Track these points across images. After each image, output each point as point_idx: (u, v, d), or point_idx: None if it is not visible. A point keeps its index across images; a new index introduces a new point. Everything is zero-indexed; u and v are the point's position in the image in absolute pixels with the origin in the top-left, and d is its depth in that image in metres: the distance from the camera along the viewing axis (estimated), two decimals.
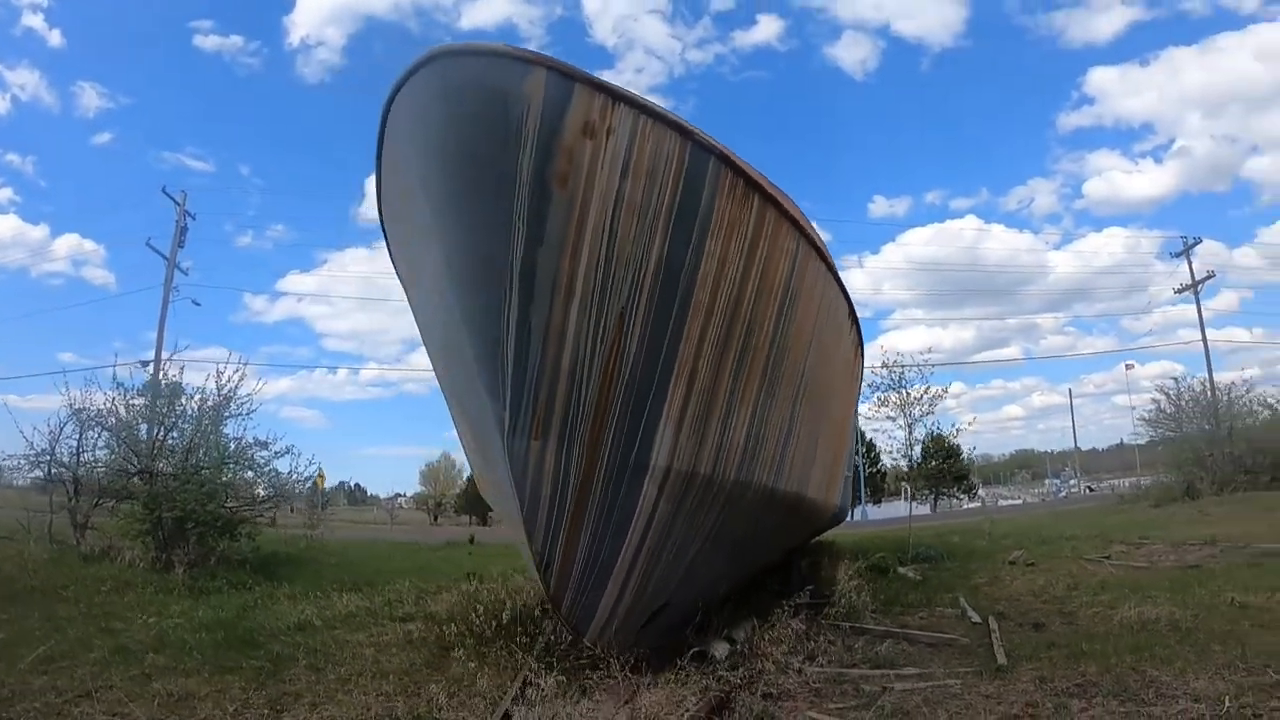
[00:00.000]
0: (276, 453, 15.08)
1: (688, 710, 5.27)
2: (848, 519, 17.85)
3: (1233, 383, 35.61)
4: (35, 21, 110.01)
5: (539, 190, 5.57)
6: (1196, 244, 38.58)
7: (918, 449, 19.76)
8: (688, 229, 6.15)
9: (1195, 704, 5.07)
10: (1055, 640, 7.33)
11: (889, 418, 17.49)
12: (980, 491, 66.43)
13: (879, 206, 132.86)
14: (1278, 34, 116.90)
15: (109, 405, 14.59)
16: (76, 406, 14.47)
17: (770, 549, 9.77)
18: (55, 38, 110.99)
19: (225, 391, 14.79)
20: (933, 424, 17.83)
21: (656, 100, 6.19)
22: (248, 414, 15.22)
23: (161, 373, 17.00)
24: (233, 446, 14.53)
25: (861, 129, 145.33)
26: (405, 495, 79.47)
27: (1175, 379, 36.94)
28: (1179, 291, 39.15)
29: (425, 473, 74.70)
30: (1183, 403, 35.21)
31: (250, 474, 14.85)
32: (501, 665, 6.52)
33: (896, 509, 50.89)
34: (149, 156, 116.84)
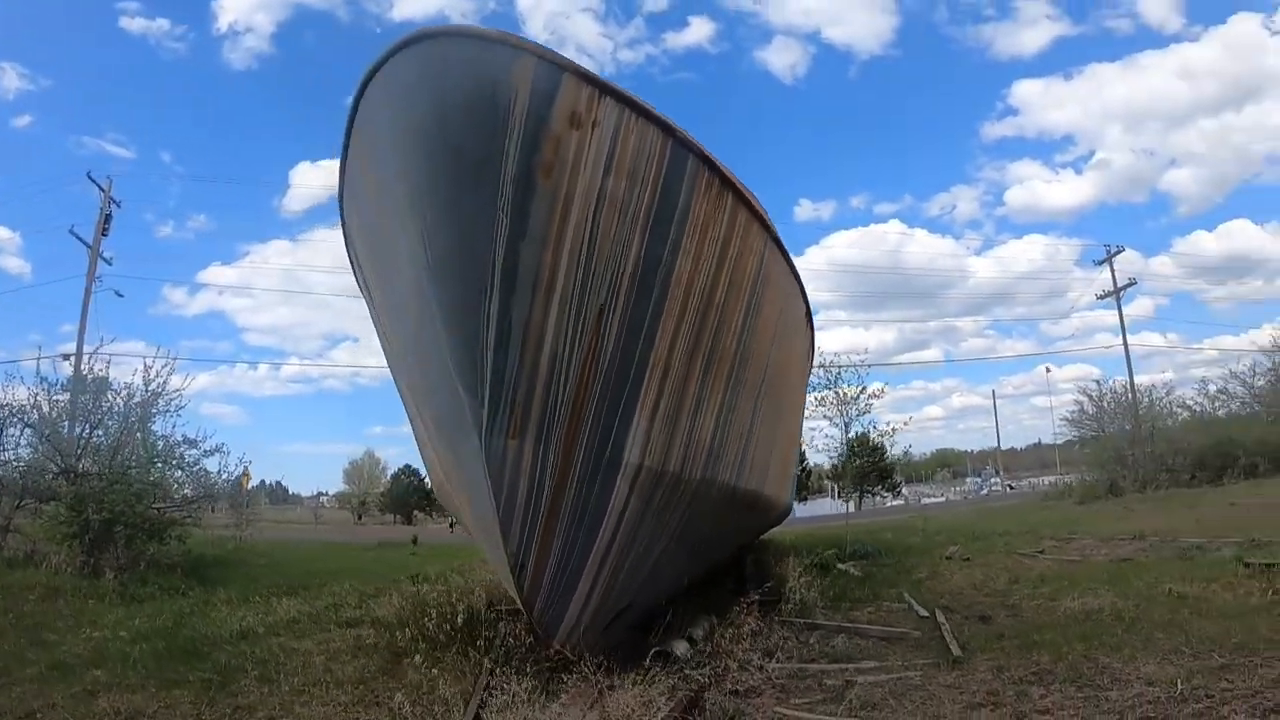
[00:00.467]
0: (205, 451, 14.75)
1: (659, 711, 5.31)
2: None
3: (1153, 385, 38.05)
4: None
5: (524, 182, 5.54)
6: (1119, 252, 40.14)
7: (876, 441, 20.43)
8: (666, 226, 6.25)
9: (1150, 687, 5.35)
10: (1004, 631, 7.63)
11: (825, 417, 18.13)
12: (904, 490, 68.79)
13: (804, 210, 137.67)
14: (1199, 54, 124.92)
15: (31, 401, 14.16)
16: None
17: (726, 546, 9.98)
18: None
19: (153, 387, 14.42)
20: (868, 423, 18.48)
21: None
22: (176, 411, 14.92)
23: (86, 367, 16.34)
24: (161, 445, 14.15)
25: (789, 133, 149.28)
26: (328, 494, 78.91)
27: (1097, 381, 39.14)
28: (1101, 297, 40.65)
29: (349, 471, 74.98)
30: (1104, 404, 37.58)
31: (180, 473, 14.49)
32: (460, 671, 6.45)
33: (821, 506, 52.29)
34: (69, 142, 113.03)
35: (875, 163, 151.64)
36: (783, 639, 7.59)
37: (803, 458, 60.98)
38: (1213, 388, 36.72)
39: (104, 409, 14.44)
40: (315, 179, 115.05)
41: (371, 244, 7.31)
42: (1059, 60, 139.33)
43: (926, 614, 8.85)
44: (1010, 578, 11.16)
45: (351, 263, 8.67)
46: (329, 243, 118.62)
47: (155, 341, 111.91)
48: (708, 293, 6.81)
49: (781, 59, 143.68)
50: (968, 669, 6.35)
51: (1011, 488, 66.52)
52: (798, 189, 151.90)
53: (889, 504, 57.02)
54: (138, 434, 14.16)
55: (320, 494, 77.15)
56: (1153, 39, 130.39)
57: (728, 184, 6.74)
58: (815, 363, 15.38)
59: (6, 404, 14.06)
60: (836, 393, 17.49)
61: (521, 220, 5.61)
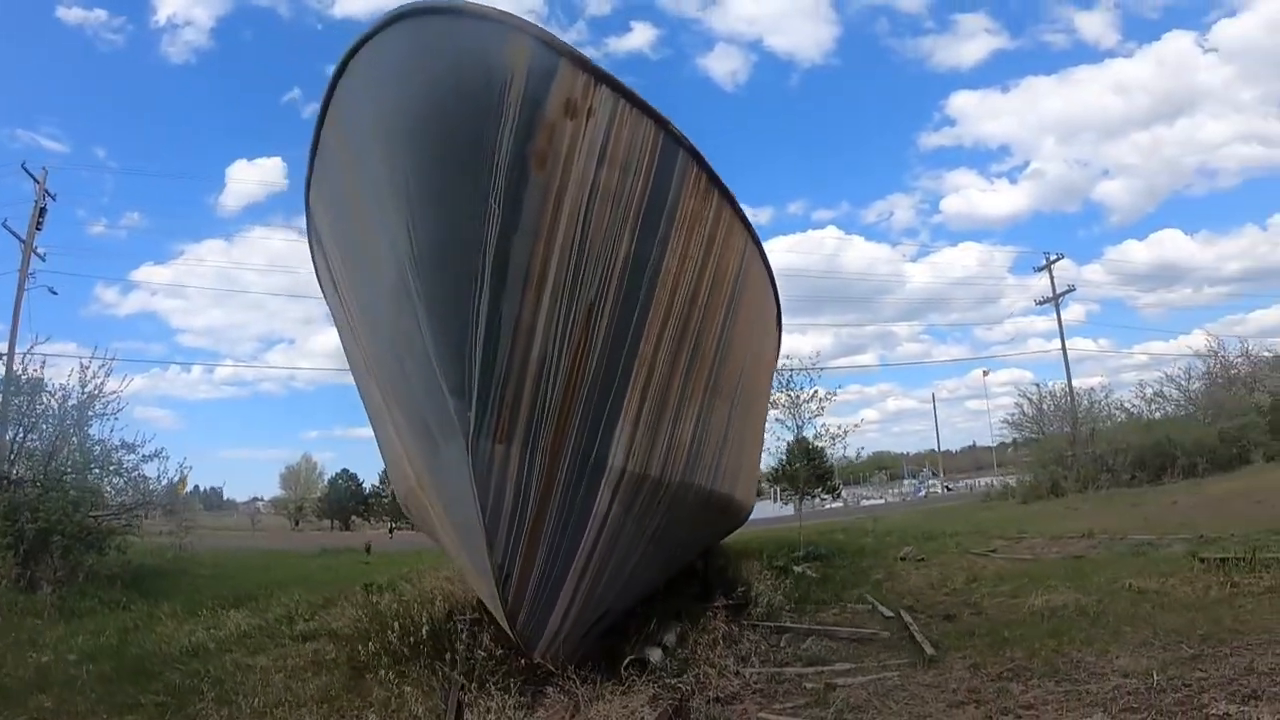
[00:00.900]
0: (144, 456, 14.31)
1: None
2: None
3: (1092, 388, 39.91)
4: None
5: (518, 170, 5.40)
6: (1058, 259, 42.10)
7: (820, 445, 20.80)
8: (655, 221, 6.22)
9: (1126, 679, 5.53)
10: (973, 629, 7.81)
11: (777, 419, 18.47)
12: (842, 492, 70.11)
13: None
14: (1133, 69, 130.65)
15: None
16: None
17: (695, 549, 10.07)
18: None
19: (90, 389, 13.91)
20: (820, 425, 18.85)
21: None
22: (114, 414, 14.42)
23: (19, 367, 15.66)
24: (98, 450, 13.73)
25: (729, 139, 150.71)
26: (263, 499, 77.55)
27: (1037, 385, 40.97)
28: (1040, 303, 42.86)
29: (285, 476, 73.75)
30: (1044, 406, 39.28)
31: (119, 480, 14.05)
32: (428, 686, 6.31)
33: (764, 509, 52.94)
34: (1, 134, 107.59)
35: (813, 170, 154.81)
36: (754, 643, 7.65)
37: None
38: (1149, 391, 38.83)
39: (38, 412, 13.94)
40: (252, 176, 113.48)
41: (344, 233, 6.98)
42: (996, 73, 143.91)
43: (891, 614, 9.05)
44: (968, 577, 11.46)
45: (313, 253, 8.35)
46: (265, 242, 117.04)
47: (87, 342, 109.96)
48: (692, 292, 6.82)
49: (723, 66, 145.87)
50: (944, 668, 6.49)
51: (949, 489, 68.82)
52: (736, 194, 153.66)
53: (828, 506, 58.03)
54: (74, 438, 13.72)
55: (256, 499, 75.85)
56: (1088, 54, 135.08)
57: (715, 181, 6.76)
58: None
59: None
60: (789, 395, 17.94)
61: (514, 211, 5.48)
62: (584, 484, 6.22)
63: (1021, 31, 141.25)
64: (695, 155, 6.47)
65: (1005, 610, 8.73)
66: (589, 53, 5.73)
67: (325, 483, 72.46)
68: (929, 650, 7.01)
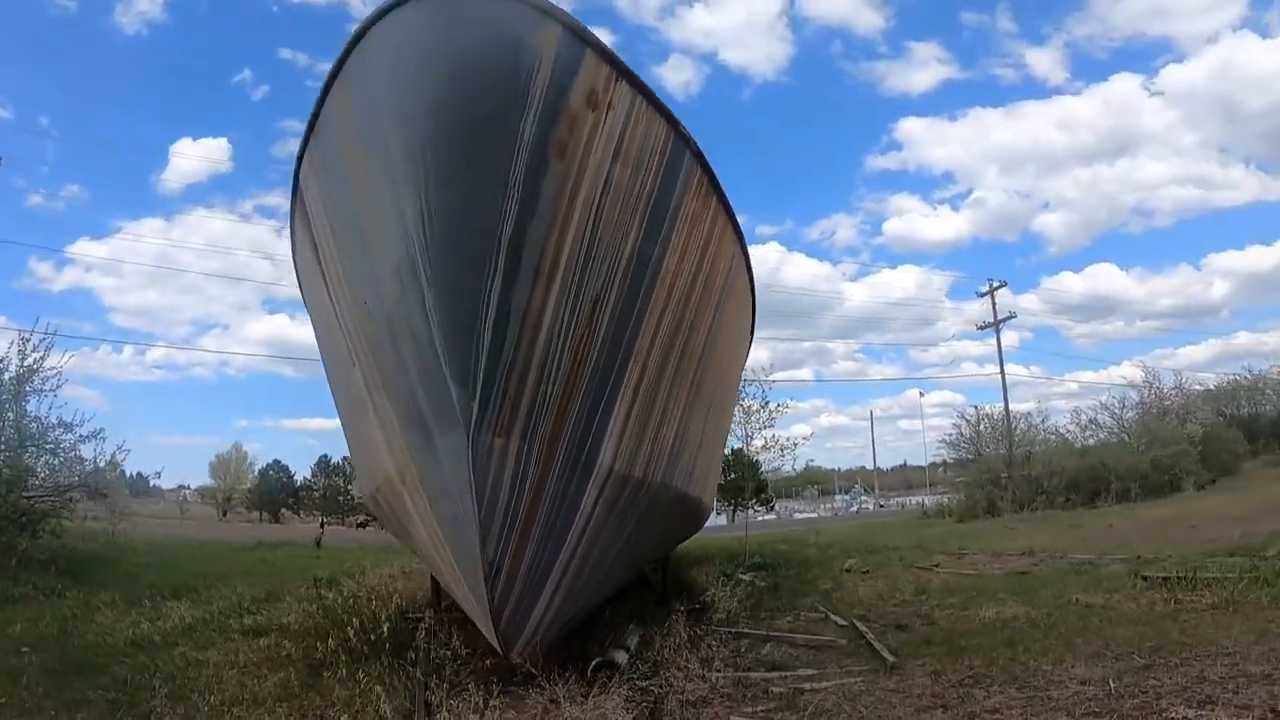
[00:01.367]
0: (81, 436, 13.94)
1: None
2: None
3: (1029, 412, 42.06)
4: None
5: (538, 157, 5.43)
6: (1001, 286, 43.49)
7: (762, 459, 21.20)
8: (660, 221, 6.35)
9: (1084, 686, 5.82)
10: (928, 639, 8.07)
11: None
12: (775, 505, 71.29)
13: None
14: (1080, 107, 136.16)
15: None
16: None
17: (661, 551, 10.26)
18: None
19: (29, 363, 13.50)
20: (770, 437, 19.23)
21: None
22: (53, 391, 14.02)
23: None
24: (35, 428, 13.36)
25: None
26: (190, 487, 76.04)
27: (975, 407, 42.62)
28: (981, 328, 44.33)
29: (215, 464, 71.87)
30: (981, 428, 41.02)
31: (55, 460, 13.66)
32: (390, 686, 6.29)
33: None
34: None
35: (760, 185, 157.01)
36: (715, 648, 7.85)
37: None
38: (1084, 417, 40.95)
39: None
40: (196, 155, 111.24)
41: (340, 209, 6.79)
42: (946, 101, 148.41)
43: (845, 623, 9.33)
44: (915, 589, 11.82)
45: (294, 228, 8.25)
46: (206, 224, 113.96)
47: (15, 316, 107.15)
48: (686, 293, 6.97)
49: (677, 76, 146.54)
50: (906, 674, 6.73)
51: (880, 506, 70.67)
52: None
53: (761, 518, 58.91)
54: (9, 414, 13.34)
55: (182, 487, 74.28)
56: (1037, 89, 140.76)
57: (715, 185, 6.92)
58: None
59: None
60: (742, 405, 18.24)
61: (531, 199, 5.50)
62: (574, 481, 6.27)
63: (973, 63, 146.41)
64: (700, 158, 6.61)
65: (956, 621, 9.06)
66: None
67: (255, 473, 71.75)
68: (889, 658, 7.26)
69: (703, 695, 6.39)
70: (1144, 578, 10.30)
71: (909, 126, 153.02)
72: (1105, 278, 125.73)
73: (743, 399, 18.15)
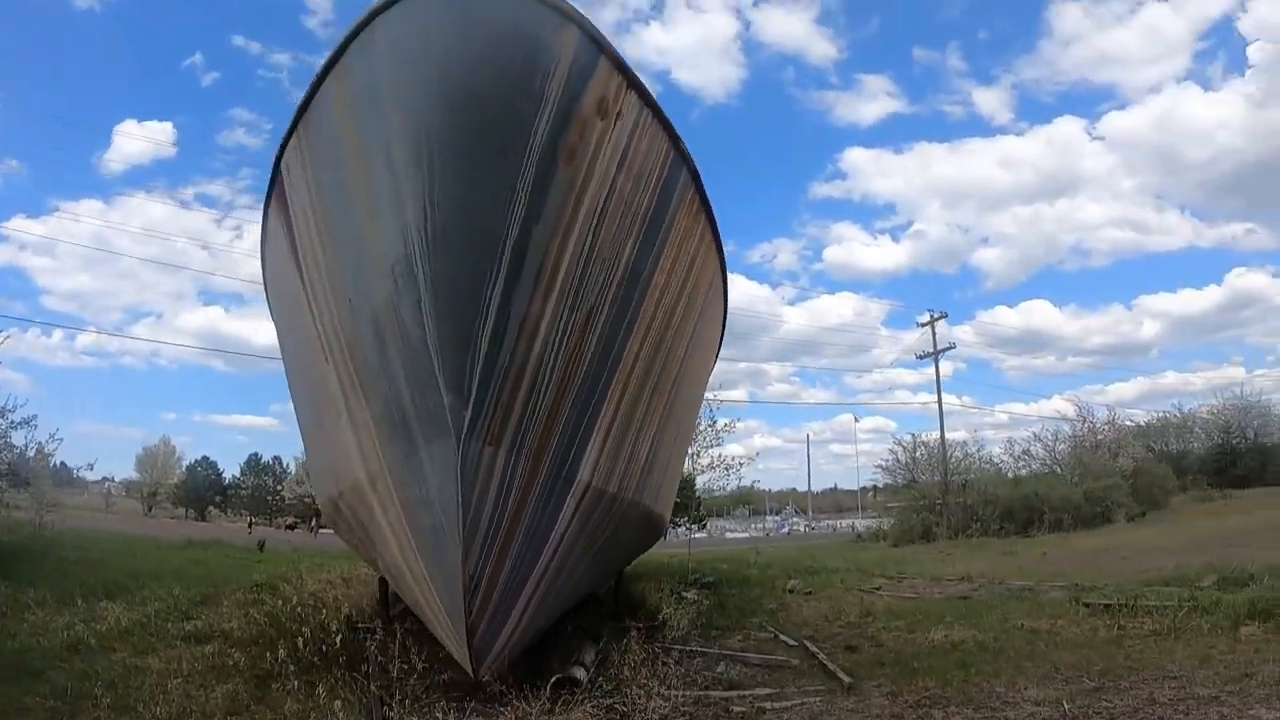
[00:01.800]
0: (13, 423, 13.60)
1: None
2: None
3: (965, 441, 43.88)
4: None
5: (548, 160, 5.39)
6: (942, 317, 45.35)
7: (702, 478, 21.45)
8: (654, 235, 6.42)
9: (1039, 708, 6.05)
10: (879, 660, 8.26)
11: None
12: (707, 524, 71.93)
13: None
14: (1021, 146, 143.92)
15: None
16: None
17: (620, 567, 10.28)
18: None
19: None
20: (717, 455, 19.51)
21: None
22: None
23: None
24: None
25: None
26: (114, 479, 73.52)
27: (913, 434, 44.42)
28: (920, 357, 46.07)
29: (142, 458, 70.91)
30: (917, 455, 42.34)
31: None
32: (345, 699, 6.16)
33: None
34: None
35: None
36: (671, 666, 7.93)
37: None
38: (1018, 448, 42.57)
39: None
40: (141, 138, 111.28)
41: (329, 201, 6.54)
42: (892, 134, 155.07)
43: (795, 643, 9.49)
44: (860, 611, 12.05)
45: (268, 217, 8.03)
46: (146, 209, 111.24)
47: None
48: (670, 310, 7.05)
49: None
50: (863, 695, 6.87)
51: (812, 528, 71.98)
52: None
53: (694, 537, 59.31)
54: None
55: (107, 479, 72.44)
56: (982, 128, 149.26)
57: (705, 202, 7.03)
58: None
59: None
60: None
61: (538, 203, 5.44)
62: (554, 495, 6.25)
63: (921, 99, 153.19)
64: (695, 175, 6.70)
65: (905, 644, 9.28)
66: None
67: (183, 469, 71.13)
68: (845, 678, 7.43)
69: (664, 714, 6.41)
70: (1086, 604, 10.68)
71: (855, 156, 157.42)
72: (1040, 313, 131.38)
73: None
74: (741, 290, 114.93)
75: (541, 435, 6.04)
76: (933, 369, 43.36)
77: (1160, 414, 56.10)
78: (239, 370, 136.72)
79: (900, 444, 44.54)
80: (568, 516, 6.46)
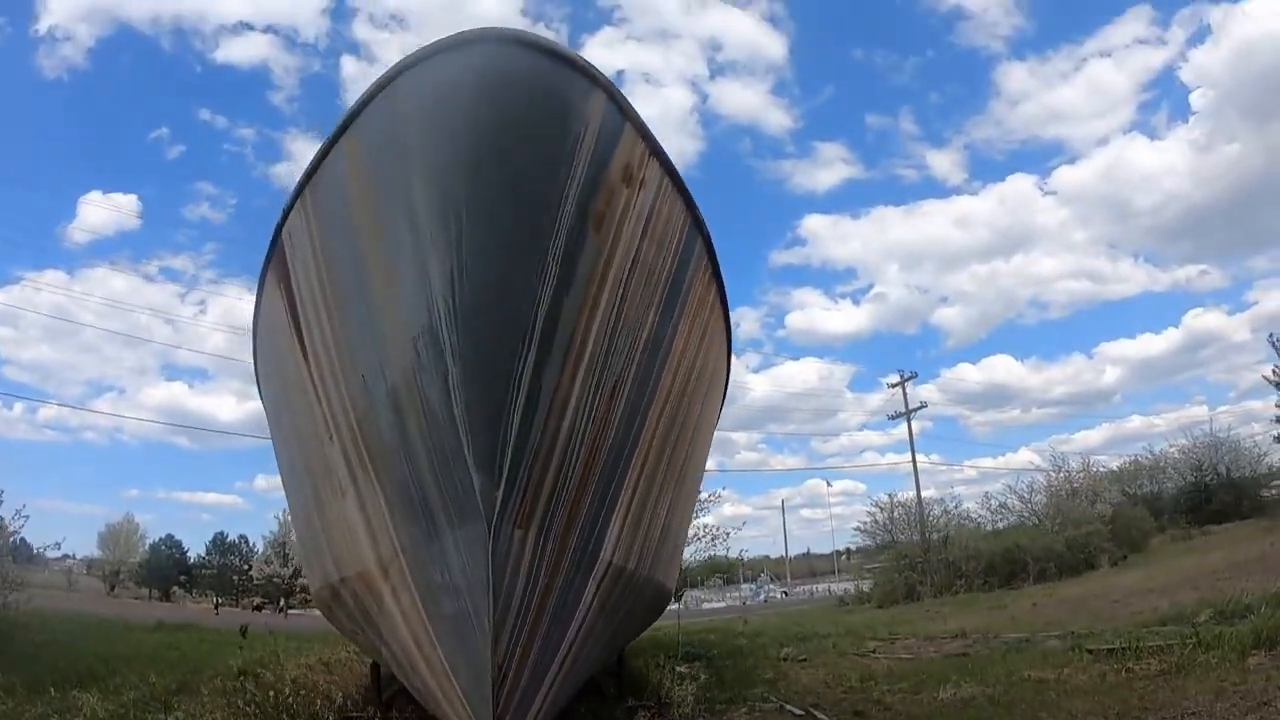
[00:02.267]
0: None
1: None
2: None
3: (942, 498, 44.97)
4: None
5: (578, 228, 5.30)
6: (912, 377, 47.53)
7: (689, 549, 21.41)
8: (674, 303, 6.40)
9: None
10: None
11: None
12: (684, 594, 71.43)
13: None
14: (975, 206, 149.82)
15: None
16: None
17: (627, 643, 10.11)
18: None
19: None
20: (702, 525, 19.51)
21: None
22: None
23: None
24: None
25: None
26: (75, 557, 71.91)
27: (890, 495, 45.79)
28: (892, 418, 48.21)
29: (105, 535, 69.64)
30: (895, 514, 42.96)
31: None
32: None
33: None
34: None
35: None
36: None
37: None
38: (994, 502, 43.41)
39: None
40: (105, 210, 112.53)
41: (340, 268, 6.27)
42: (849, 200, 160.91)
43: (801, 712, 9.38)
44: (860, 675, 11.97)
45: (265, 285, 7.65)
46: (109, 282, 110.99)
47: None
48: (685, 380, 7.02)
49: None
50: None
51: (786, 594, 71.82)
52: None
53: (670, 607, 58.82)
54: None
55: (68, 557, 70.95)
56: (936, 189, 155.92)
57: (717, 270, 7.09)
58: None
59: None
60: None
61: (569, 271, 5.31)
62: (578, 576, 6.05)
63: (876, 164, 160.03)
64: (709, 241, 6.75)
65: (912, 705, 9.24)
66: None
67: (146, 547, 70.10)
68: None
69: None
70: (1089, 650, 10.73)
71: (813, 223, 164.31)
72: (1002, 368, 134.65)
73: None
74: None
75: (569, 514, 5.84)
76: (899, 429, 44.74)
77: (1131, 457, 57.32)
78: (203, 447, 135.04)
79: (878, 505, 45.05)
80: (589, 598, 6.24)
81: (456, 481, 5.42)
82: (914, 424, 47.20)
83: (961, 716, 8.16)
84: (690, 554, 22.96)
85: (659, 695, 9.67)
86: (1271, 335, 53.20)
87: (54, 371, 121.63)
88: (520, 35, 5.18)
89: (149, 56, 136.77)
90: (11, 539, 17.62)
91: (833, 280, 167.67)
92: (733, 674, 13.26)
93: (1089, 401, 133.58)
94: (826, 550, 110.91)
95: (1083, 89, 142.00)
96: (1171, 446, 55.97)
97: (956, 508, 43.67)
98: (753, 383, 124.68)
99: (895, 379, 48.45)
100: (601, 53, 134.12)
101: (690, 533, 19.51)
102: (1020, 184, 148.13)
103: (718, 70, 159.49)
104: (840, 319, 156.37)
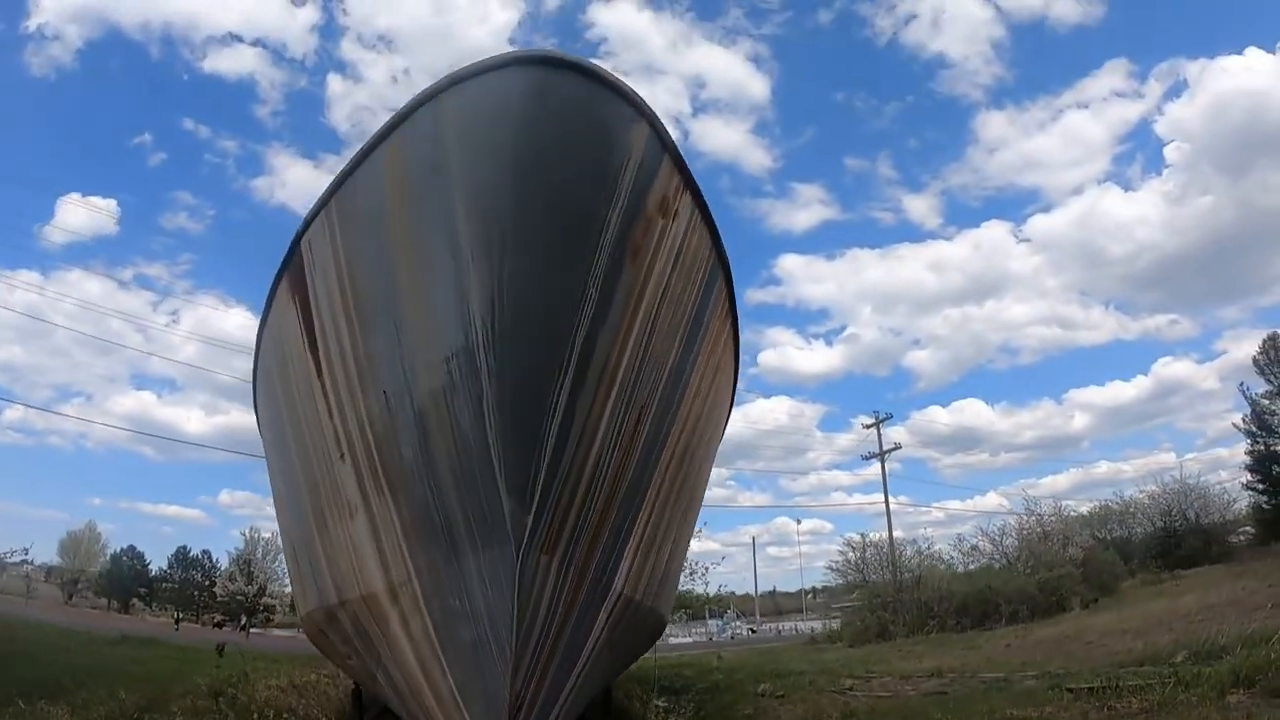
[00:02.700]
0: None
1: None
2: None
3: (915, 538, 45.91)
4: None
5: (618, 256, 5.37)
6: (888, 418, 49.44)
7: None
8: (695, 336, 6.47)
9: None
10: None
11: None
12: None
13: None
14: (950, 251, 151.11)
15: None
16: None
17: (620, 674, 10.19)
18: None
19: None
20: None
21: None
22: None
23: None
24: None
25: None
26: (32, 563, 70.84)
27: (862, 535, 46.91)
28: (866, 458, 50.21)
29: (65, 542, 69.61)
30: (866, 554, 43.52)
31: None
32: None
33: None
34: None
35: None
36: None
37: None
38: (966, 544, 44.16)
39: None
40: (83, 213, 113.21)
41: (369, 284, 6.17)
42: (825, 241, 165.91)
43: None
44: (842, 713, 12.10)
45: (277, 294, 7.60)
46: (83, 285, 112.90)
47: None
48: (699, 412, 7.12)
49: None
50: None
51: (754, 631, 72.14)
52: None
53: None
54: None
55: (26, 563, 69.81)
56: (912, 233, 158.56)
57: (733, 305, 7.21)
58: None
59: None
60: None
61: (606, 299, 5.38)
62: (593, 606, 6.06)
63: (853, 206, 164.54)
64: (729, 276, 6.83)
65: None
66: None
67: (107, 557, 69.51)
68: None
69: None
70: (1069, 689, 10.92)
71: (789, 263, 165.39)
72: (972, 412, 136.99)
73: None
74: None
75: (590, 543, 5.86)
76: (867, 470, 45.60)
77: (1101, 502, 58.40)
78: (168, 459, 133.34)
79: (850, 544, 45.57)
80: (599, 628, 6.25)
81: (484, 505, 5.41)
82: (885, 465, 48.18)
83: None
84: None
85: None
86: (1243, 384, 55.26)
87: (23, 373, 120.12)
88: (570, 59, 5.21)
89: (137, 61, 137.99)
90: None
91: (806, 320, 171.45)
92: (712, 709, 13.39)
93: (1057, 447, 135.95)
94: (792, 588, 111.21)
95: (1059, 139, 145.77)
96: (1141, 492, 57.49)
97: (929, 548, 44.27)
98: None
99: (870, 420, 49.67)
100: None
101: None
102: (995, 230, 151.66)
103: (700, 107, 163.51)
104: (813, 359, 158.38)
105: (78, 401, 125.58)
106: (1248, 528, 55.46)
